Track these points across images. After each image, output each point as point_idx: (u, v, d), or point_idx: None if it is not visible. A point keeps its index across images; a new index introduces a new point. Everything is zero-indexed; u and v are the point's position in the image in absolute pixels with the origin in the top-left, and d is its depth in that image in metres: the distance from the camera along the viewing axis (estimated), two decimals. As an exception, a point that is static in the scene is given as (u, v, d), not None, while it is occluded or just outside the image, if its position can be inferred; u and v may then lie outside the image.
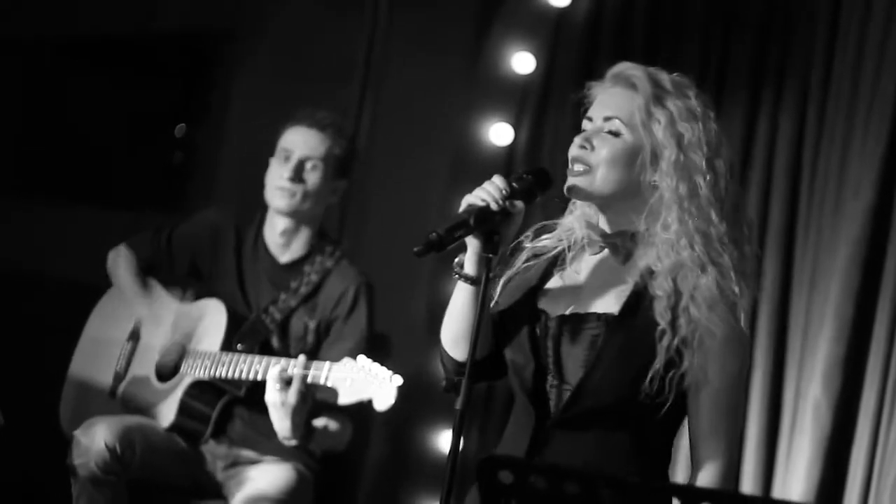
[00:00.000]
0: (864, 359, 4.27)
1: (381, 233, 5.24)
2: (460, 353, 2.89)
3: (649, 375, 2.69)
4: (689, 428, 2.79)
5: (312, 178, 4.23)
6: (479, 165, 5.05)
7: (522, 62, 5.13)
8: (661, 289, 2.73)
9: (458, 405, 2.66)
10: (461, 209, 2.74)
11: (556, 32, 5.08)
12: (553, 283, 2.90)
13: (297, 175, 4.21)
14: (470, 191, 2.78)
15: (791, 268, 4.48)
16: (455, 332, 2.88)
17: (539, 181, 2.81)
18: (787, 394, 4.43)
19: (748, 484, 4.41)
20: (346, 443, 4.20)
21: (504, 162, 5.08)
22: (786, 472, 4.37)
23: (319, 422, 4.06)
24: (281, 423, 3.88)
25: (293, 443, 3.91)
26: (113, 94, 6.44)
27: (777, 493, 4.36)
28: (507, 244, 2.84)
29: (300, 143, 4.23)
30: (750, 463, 4.43)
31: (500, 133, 5.14)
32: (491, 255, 2.73)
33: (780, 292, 4.47)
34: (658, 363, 2.70)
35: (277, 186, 4.22)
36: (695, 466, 2.78)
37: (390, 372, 3.65)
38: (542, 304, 2.86)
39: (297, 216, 4.26)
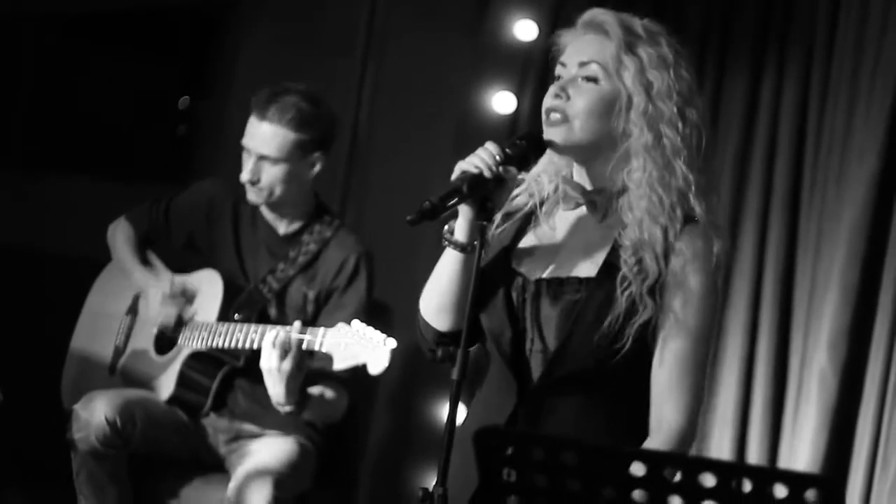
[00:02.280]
0: (870, 326, 4.24)
1: (385, 204, 5.20)
2: (443, 322, 2.86)
3: (608, 321, 2.66)
4: (651, 381, 2.72)
5: (270, 174, 4.13)
6: (483, 135, 4.90)
7: (525, 29, 5.06)
8: (628, 238, 2.71)
9: (455, 375, 2.62)
10: (454, 176, 2.70)
11: (560, -2, 5.03)
12: (528, 241, 2.86)
13: (255, 174, 4.13)
14: (472, 160, 2.74)
15: (796, 234, 4.45)
16: (440, 302, 2.84)
17: (533, 146, 2.77)
18: (792, 362, 4.40)
19: (754, 453, 4.39)
20: (342, 411, 4.16)
21: (508, 131, 5.02)
22: (792, 440, 4.34)
23: (315, 389, 4.02)
24: (275, 388, 3.83)
25: (287, 409, 3.86)
26: (116, 67, 6.43)
27: (783, 461, 4.34)
28: (500, 211, 2.81)
29: (257, 141, 4.12)
30: (756, 431, 4.41)
31: (503, 102, 5.08)
32: (485, 223, 2.69)
33: (784, 259, 4.44)
34: (617, 309, 2.66)
35: (243, 181, 4.18)
36: (653, 426, 2.71)
37: (384, 335, 3.60)
38: (519, 266, 2.82)
39: (274, 201, 4.20)
